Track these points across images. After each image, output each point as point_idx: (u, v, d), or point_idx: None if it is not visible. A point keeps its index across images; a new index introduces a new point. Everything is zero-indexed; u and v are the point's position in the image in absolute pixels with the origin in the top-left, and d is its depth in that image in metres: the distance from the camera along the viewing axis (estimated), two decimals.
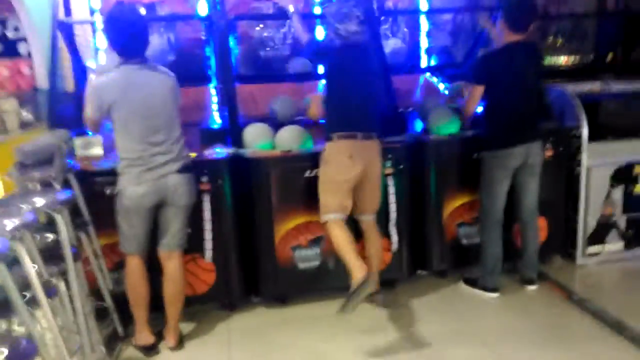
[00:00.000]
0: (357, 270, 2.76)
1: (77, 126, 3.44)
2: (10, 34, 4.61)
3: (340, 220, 2.95)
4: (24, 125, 4.41)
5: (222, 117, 3.66)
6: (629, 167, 3.74)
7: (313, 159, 3.18)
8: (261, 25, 4.31)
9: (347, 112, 2.93)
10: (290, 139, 3.29)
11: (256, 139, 3.31)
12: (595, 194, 3.72)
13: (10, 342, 1.57)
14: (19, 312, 1.76)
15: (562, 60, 4.90)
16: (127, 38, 2.66)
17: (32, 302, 1.93)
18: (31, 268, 1.88)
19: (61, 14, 3.77)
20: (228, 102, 3.44)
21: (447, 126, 3.49)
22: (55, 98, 3.66)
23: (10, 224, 1.87)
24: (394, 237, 3.40)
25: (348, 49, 2.94)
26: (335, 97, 2.96)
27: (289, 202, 3.25)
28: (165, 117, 2.72)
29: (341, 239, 2.90)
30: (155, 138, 2.69)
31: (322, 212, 3.00)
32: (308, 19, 3.99)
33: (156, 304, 2.93)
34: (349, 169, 2.91)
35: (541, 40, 4.80)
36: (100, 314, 2.93)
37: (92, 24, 3.77)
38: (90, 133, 3.35)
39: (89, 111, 2.72)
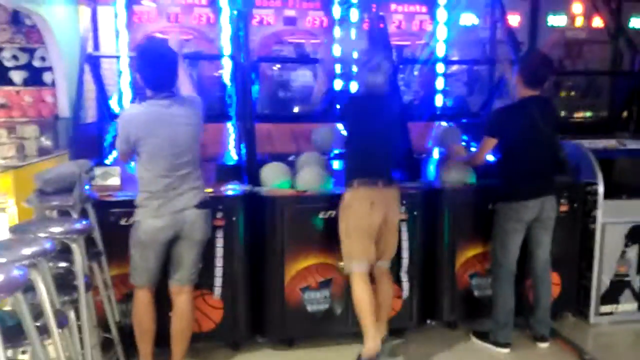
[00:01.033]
0: (371, 341, 2.79)
1: (96, 156, 3.49)
2: (36, 63, 4.75)
3: (364, 274, 2.92)
4: (42, 151, 4.48)
5: (238, 154, 3.70)
6: None
7: (328, 201, 3.19)
8: (278, 66, 4.44)
9: (368, 159, 2.95)
10: (310, 180, 3.30)
11: (273, 178, 3.33)
12: (610, 251, 3.68)
13: None
14: (32, 341, 1.74)
15: (576, 115, 4.93)
16: (157, 71, 2.70)
17: (43, 331, 1.90)
18: (46, 297, 1.87)
19: (90, 48, 3.89)
20: (247, 139, 3.48)
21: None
22: (77, 127, 3.73)
23: (28, 250, 1.88)
24: (405, 285, 3.35)
25: (370, 98, 2.99)
26: (357, 144, 2.98)
27: (302, 243, 3.23)
28: (190, 153, 2.75)
29: (363, 301, 2.88)
30: (178, 172, 2.71)
31: (345, 261, 2.97)
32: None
33: (162, 340, 2.88)
34: (371, 216, 2.90)
35: (555, 94, 4.86)
36: (105, 345, 2.89)
37: (118, 58, 3.88)
38: (109, 163, 3.42)
39: (118, 142, 2.75)
